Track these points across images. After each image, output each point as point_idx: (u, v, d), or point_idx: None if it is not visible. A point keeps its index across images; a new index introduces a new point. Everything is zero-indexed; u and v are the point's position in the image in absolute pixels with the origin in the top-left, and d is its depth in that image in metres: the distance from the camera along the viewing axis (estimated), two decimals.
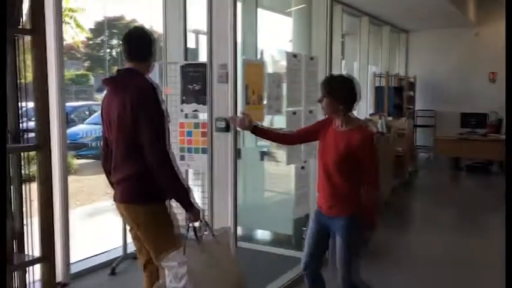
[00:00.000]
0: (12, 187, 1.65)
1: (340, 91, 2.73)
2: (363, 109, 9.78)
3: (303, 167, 3.98)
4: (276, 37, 8.39)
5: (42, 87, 1.55)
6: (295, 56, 3.78)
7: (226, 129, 3.13)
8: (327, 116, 2.87)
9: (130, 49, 2.46)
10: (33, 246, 1.69)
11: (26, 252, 1.68)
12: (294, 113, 3.79)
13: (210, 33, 3.12)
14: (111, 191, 2.59)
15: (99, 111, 2.58)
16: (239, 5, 4.35)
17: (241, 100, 3.30)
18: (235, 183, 3.19)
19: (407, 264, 4.57)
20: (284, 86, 3.73)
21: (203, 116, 4.29)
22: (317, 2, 4.37)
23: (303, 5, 6.42)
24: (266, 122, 4.67)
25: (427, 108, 11.34)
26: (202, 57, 7.68)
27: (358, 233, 2.77)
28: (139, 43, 2.49)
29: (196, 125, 4.17)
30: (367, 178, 2.72)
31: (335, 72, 4.51)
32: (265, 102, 3.60)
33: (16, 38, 1.58)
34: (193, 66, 4.10)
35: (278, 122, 5.61)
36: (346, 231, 2.76)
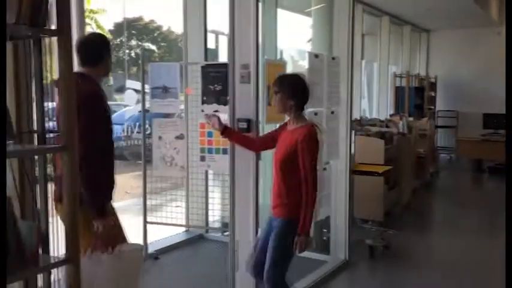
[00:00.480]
0: (37, 187, 1.66)
1: (291, 87, 2.76)
2: (383, 109, 9.69)
3: (324, 169, 3.94)
4: (294, 37, 8.35)
5: (69, 87, 1.54)
6: (317, 56, 3.74)
7: (248, 129, 3.10)
8: (280, 112, 2.86)
9: (81, 54, 2.52)
10: (58, 246, 1.69)
11: (51, 253, 1.68)
12: (316, 113, 3.75)
13: (232, 33, 3.09)
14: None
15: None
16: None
17: (263, 101, 3.28)
18: (256, 184, 3.17)
19: (428, 267, 4.49)
20: None
21: (224, 117, 4.29)
22: (339, 1, 4.33)
23: (322, 5, 6.37)
24: None
25: (449, 109, 11.16)
26: (222, 58, 7.69)
27: (290, 236, 2.72)
28: (89, 49, 2.54)
29: None
30: (304, 178, 2.67)
31: (356, 72, 4.47)
32: None
33: (42, 38, 1.59)
34: (214, 67, 4.10)
35: None
36: (278, 234, 2.77)
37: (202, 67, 4.16)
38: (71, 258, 1.59)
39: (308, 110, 3.74)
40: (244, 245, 3.25)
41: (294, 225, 2.71)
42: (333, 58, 4.01)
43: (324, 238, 4.68)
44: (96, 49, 2.55)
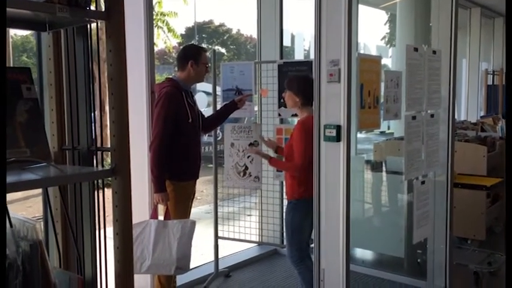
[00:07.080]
0: (82, 221, 1.27)
1: (297, 85, 3.12)
2: (473, 110, 8.78)
3: (423, 182, 3.35)
4: (369, 32, 7.83)
5: (120, 91, 1.13)
6: (416, 49, 3.17)
7: (338, 138, 2.61)
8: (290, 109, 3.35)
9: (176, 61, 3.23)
10: None
11: None
12: (414, 117, 3.17)
13: (318, 24, 2.62)
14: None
15: None
16: None
17: (355, 103, 2.77)
18: (348, 201, 2.66)
19: None
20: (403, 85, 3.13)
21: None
22: None
23: None
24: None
25: None
26: (298, 57, 7.20)
27: (291, 215, 3.21)
28: (178, 55, 3.25)
29: None
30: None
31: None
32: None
33: (88, 24, 1.19)
34: (293, 65, 3.63)
35: (395, 128, 5.00)
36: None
37: (280, 65, 3.70)
38: None
39: (405, 113, 3.19)
40: (331, 273, 2.75)
41: (292, 203, 3.14)
42: (434, 52, 3.41)
43: (419, 261, 4.07)
44: (182, 55, 3.15)
